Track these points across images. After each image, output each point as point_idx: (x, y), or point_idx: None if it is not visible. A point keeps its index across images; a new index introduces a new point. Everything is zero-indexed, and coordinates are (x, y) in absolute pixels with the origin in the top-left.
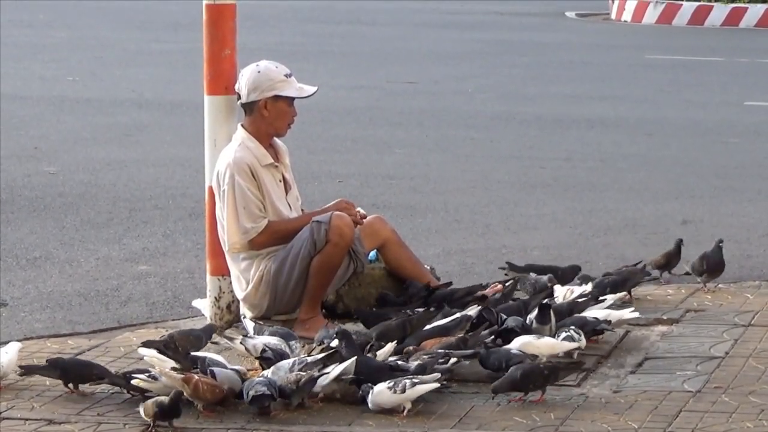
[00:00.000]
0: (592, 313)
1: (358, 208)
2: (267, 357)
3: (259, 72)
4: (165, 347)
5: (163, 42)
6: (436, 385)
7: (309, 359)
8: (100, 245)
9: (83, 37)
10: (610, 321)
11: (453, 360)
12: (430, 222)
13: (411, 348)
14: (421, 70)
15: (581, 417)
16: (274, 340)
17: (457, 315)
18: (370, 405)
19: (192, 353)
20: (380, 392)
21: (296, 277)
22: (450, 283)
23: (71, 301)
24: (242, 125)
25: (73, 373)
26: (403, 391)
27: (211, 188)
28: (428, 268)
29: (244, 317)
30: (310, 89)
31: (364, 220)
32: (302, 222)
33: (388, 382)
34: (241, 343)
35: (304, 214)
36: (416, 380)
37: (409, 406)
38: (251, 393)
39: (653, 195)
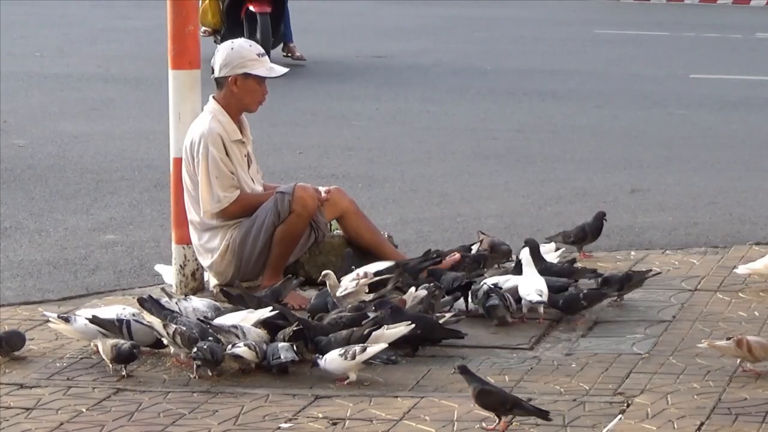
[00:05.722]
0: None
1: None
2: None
3: (232, 49)
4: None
5: (129, 19)
6: (384, 346)
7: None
8: (68, 215)
9: (50, 14)
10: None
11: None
12: (387, 192)
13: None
14: (378, 45)
15: (534, 379)
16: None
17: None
18: (323, 372)
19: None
20: (332, 360)
21: (260, 246)
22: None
23: (41, 270)
24: (214, 97)
25: None
26: (353, 357)
27: (176, 159)
28: (386, 236)
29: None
30: (281, 70)
31: (327, 194)
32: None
33: (339, 349)
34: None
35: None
36: (365, 345)
37: (353, 377)
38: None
39: (603, 165)
